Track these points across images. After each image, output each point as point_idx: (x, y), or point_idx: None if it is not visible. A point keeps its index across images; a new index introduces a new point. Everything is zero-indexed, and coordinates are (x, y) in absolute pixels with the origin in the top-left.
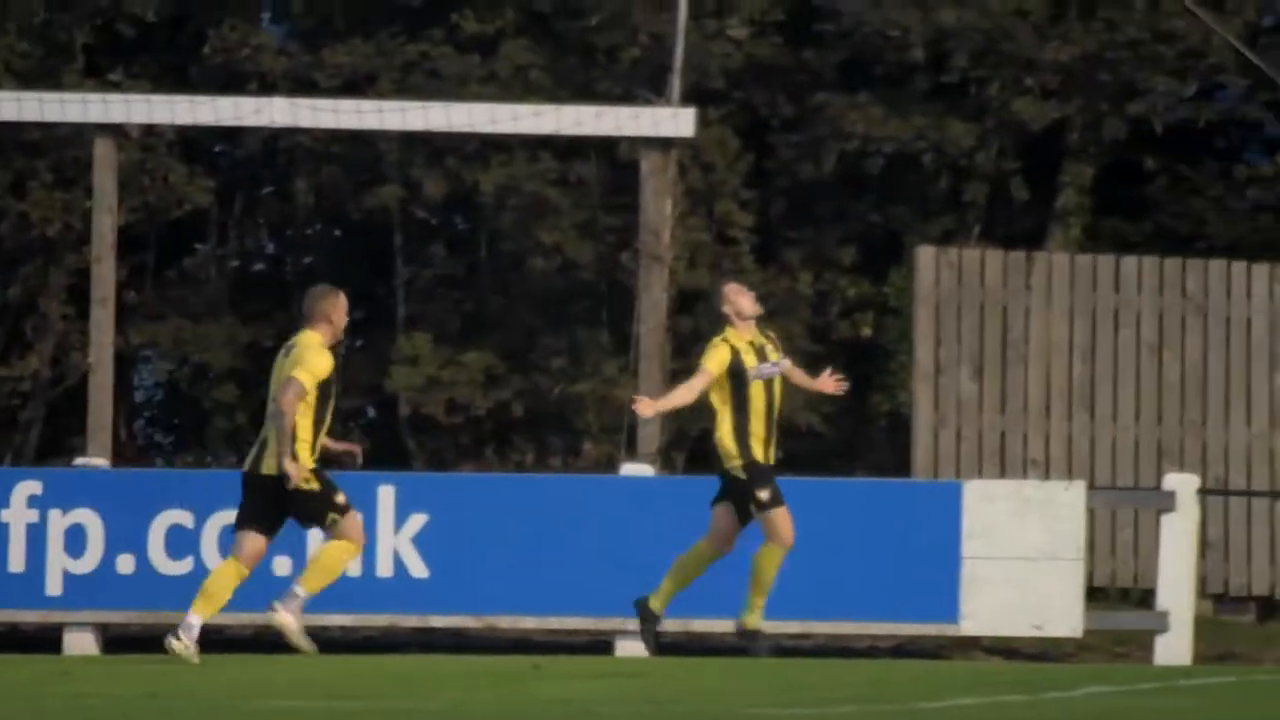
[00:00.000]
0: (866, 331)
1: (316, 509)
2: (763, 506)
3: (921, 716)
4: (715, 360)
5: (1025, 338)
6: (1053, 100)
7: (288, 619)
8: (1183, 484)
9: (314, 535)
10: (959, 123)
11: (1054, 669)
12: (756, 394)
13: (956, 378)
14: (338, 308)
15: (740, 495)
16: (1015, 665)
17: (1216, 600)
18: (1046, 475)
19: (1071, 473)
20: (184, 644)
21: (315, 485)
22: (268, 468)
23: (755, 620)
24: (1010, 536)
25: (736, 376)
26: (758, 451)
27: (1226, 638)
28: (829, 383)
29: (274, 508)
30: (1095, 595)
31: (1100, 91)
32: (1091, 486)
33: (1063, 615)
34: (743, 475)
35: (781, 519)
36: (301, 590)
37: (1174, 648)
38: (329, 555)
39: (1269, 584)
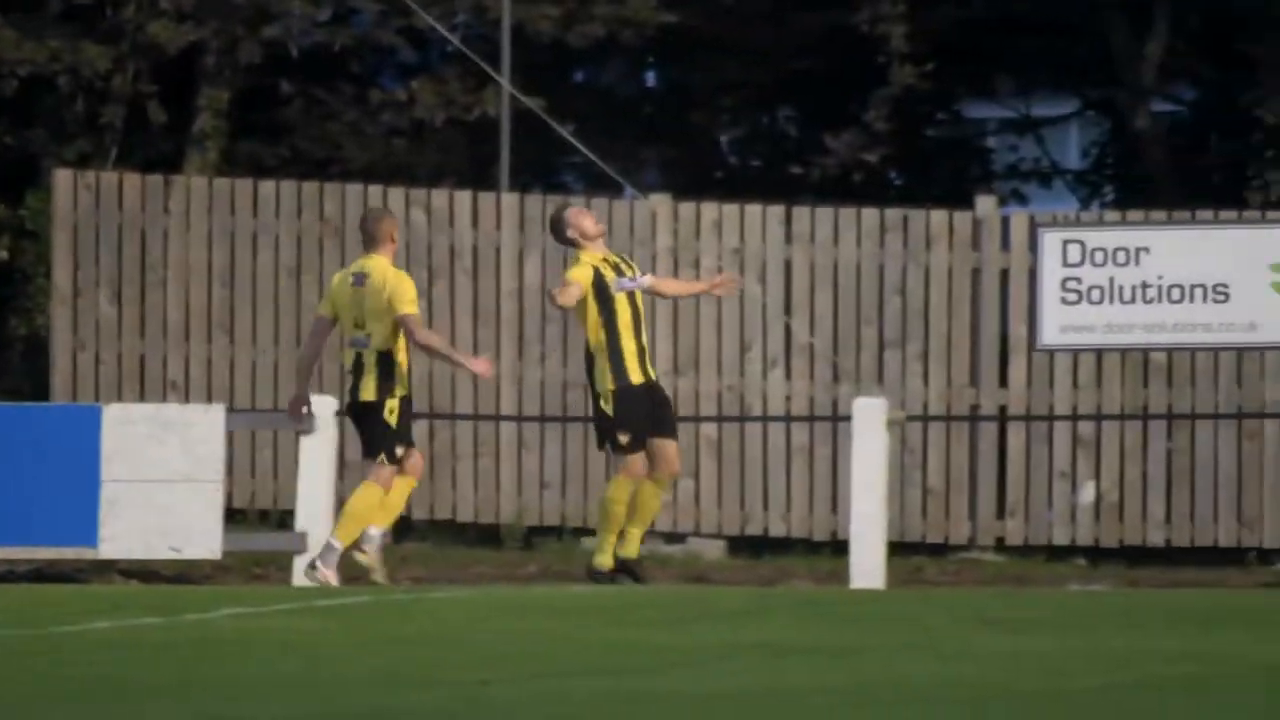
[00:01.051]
0: (3, 255)
1: (379, 442)
2: (619, 449)
3: (58, 640)
4: (577, 273)
5: (165, 261)
6: (188, 23)
7: (327, 573)
8: (321, 406)
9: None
10: (94, 45)
11: (193, 591)
12: (622, 308)
13: (95, 301)
14: (396, 226)
15: (600, 430)
16: (154, 588)
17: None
18: (187, 398)
19: (212, 396)
20: (321, 572)
21: (394, 420)
22: (365, 394)
23: (605, 560)
24: (150, 459)
25: (600, 293)
26: (632, 369)
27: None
28: (724, 282)
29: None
30: (236, 517)
31: (235, 15)
32: (231, 409)
33: (202, 537)
34: (610, 413)
35: (635, 461)
36: (338, 542)
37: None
38: (358, 502)
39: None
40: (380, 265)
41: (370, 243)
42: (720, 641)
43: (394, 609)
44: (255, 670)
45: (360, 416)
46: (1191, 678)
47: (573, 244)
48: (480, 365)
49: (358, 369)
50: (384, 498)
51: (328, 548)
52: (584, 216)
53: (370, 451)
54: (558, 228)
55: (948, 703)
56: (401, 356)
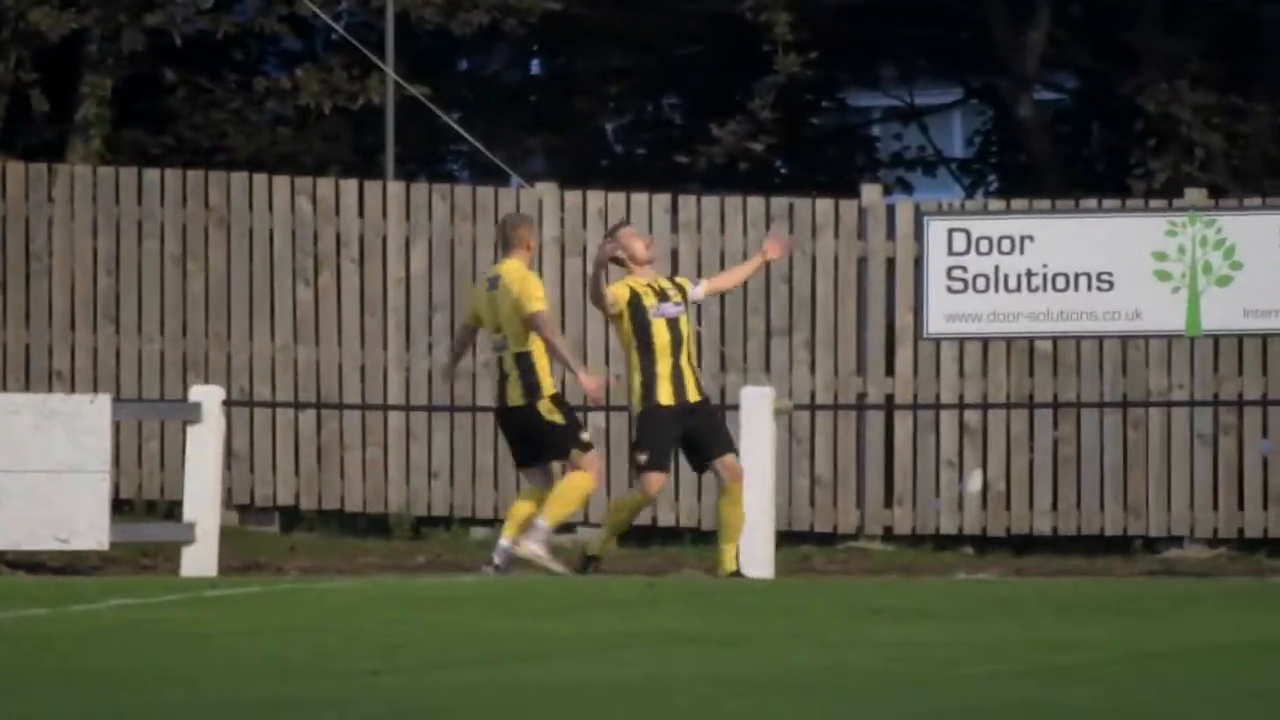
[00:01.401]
0: None
1: (558, 441)
2: (638, 468)
3: None
4: (617, 289)
5: (49, 250)
6: (70, 10)
7: (535, 549)
8: (208, 396)
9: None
10: None
11: (80, 582)
12: (660, 331)
13: None
14: (533, 231)
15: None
16: (41, 579)
17: (242, 511)
18: (73, 388)
19: (97, 385)
20: (529, 547)
21: (559, 417)
22: (513, 399)
23: (596, 547)
24: (35, 450)
25: (636, 315)
26: (663, 391)
27: (252, 547)
28: (774, 246)
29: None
30: (123, 508)
31: (118, 2)
32: (118, 399)
33: (89, 528)
34: (635, 432)
35: (651, 480)
36: (544, 522)
37: (200, 558)
38: (570, 487)
39: (293, 494)
40: (513, 268)
41: (506, 246)
42: (608, 631)
43: (283, 599)
44: (143, 661)
45: (511, 422)
46: (1078, 666)
47: (620, 264)
48: (592, 383)
49: (501, 374)
50: (590, 486)
51: (534, 526)
52: (636, 240)
53: (549, 456)
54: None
55: (836, 691)
56: (540, 355)
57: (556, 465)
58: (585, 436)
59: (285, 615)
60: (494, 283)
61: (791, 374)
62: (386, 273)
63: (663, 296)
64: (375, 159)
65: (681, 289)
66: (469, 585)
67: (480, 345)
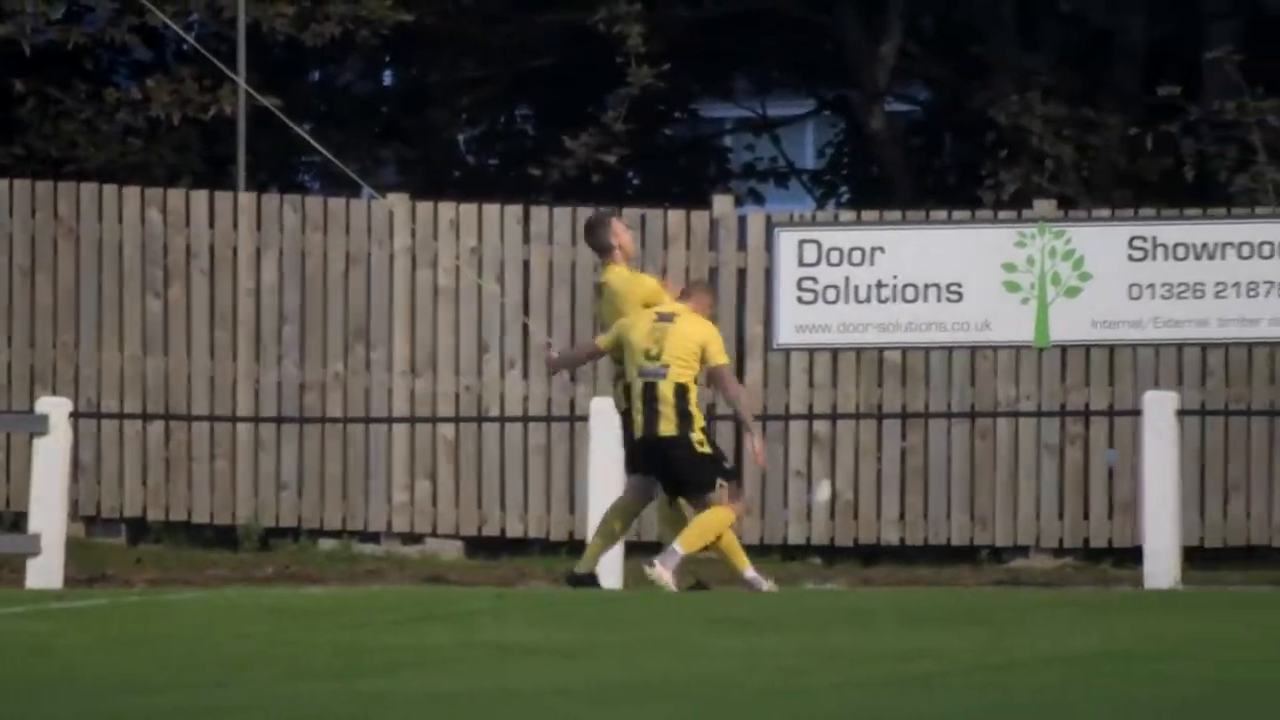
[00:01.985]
0: None
1: (708, 475)
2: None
3: None
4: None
5: None
6: None
7: (665, 575)
8: (55, 407)
9: None
10: None
11: None
12: None
13: None
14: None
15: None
16: None
17: (89, 522)
18: None
19: None
20: (659, 571)
21: (709, 449)
22: (665, 429)
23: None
24: None
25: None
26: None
27: (98, 560)
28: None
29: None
30: None
31: None
32: None
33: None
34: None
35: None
36: (680, 549)
37: (46, 570)
38: (711, 518)
39: (140, 505)
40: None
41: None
42: (455, 642)
43: (130, 611)
44: None
45: (657, 451)
46: (925, 675)
47: (607, 253)
48: (760, 452)
49: (650, 401)
50: (730, 520)
51: (670, 551)
52: (628, 233)
53: (699, 490)
54: (600, 231)
55: (684, 701)
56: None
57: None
58: (730, 465)
59: (132, 627)
60: (667, 318)
61: None
62: (237, 284)
63: None
64: (226, 170)
65: None
66: (317, 597)
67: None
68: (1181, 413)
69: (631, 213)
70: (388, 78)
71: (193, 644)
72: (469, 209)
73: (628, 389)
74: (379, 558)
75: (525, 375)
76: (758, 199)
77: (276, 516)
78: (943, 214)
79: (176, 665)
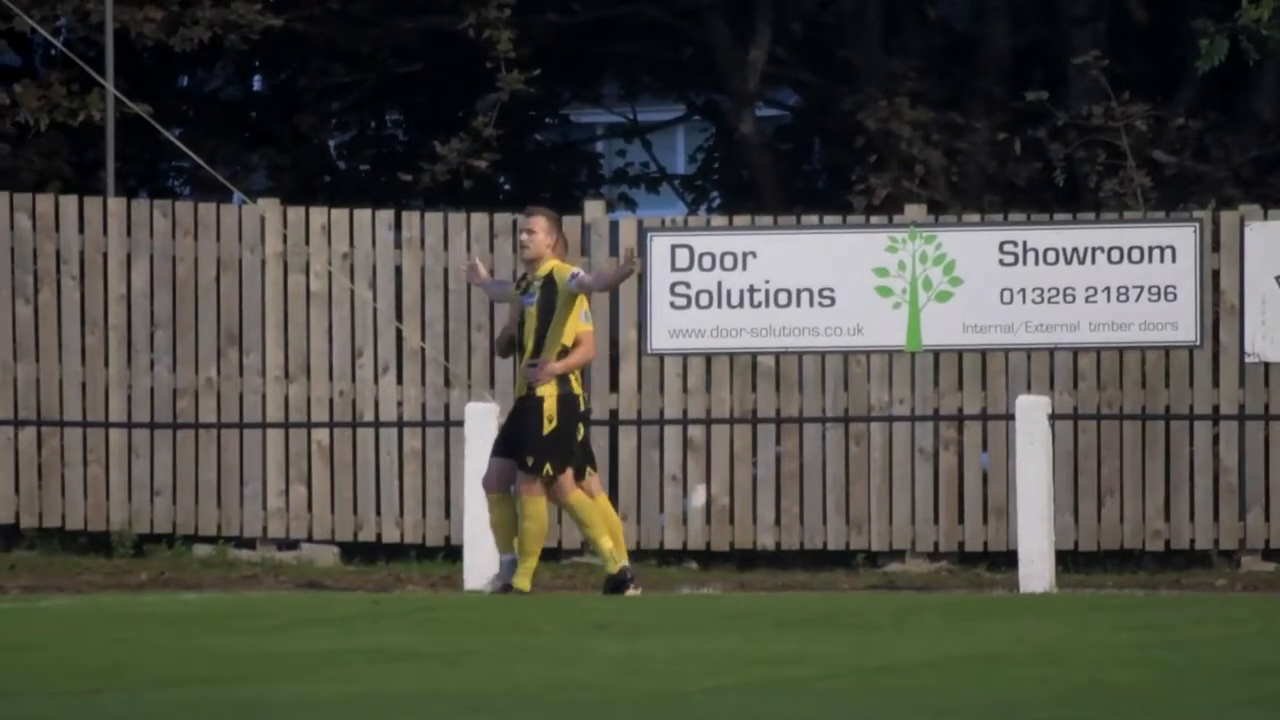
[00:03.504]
0: None
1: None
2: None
3: None
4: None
5: None
6: None
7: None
8: None
9: None
10: None
11: None
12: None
13: None
14: None
15: None
16: None
17: None
18: None
19: None
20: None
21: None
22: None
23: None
24: None
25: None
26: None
27: None
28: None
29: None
30: None
31: None
32: None
33: None
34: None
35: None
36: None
37: None
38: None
39: (13, 511)
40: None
41: None
42: (331, 648)
43: (2, 618)
44: None
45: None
46: (802, 679)
47: (538, 253)
48: None
49: None
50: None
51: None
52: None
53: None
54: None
55: (562, 706)
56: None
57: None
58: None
59: (4, 634)
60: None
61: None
62: (108, 289)
63: (525, 289)
64: (95, 175)
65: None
66: (192, 603)
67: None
68: (1053, 417)
69: (503, 218)
70: (257, 83)
71: (65, 651)
72: (340, 214)
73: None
74: (255, 564)
75: (399, 380)
76: (629, 204)
77: (151, 522)
78: (814, 219)
79: (49, 673)
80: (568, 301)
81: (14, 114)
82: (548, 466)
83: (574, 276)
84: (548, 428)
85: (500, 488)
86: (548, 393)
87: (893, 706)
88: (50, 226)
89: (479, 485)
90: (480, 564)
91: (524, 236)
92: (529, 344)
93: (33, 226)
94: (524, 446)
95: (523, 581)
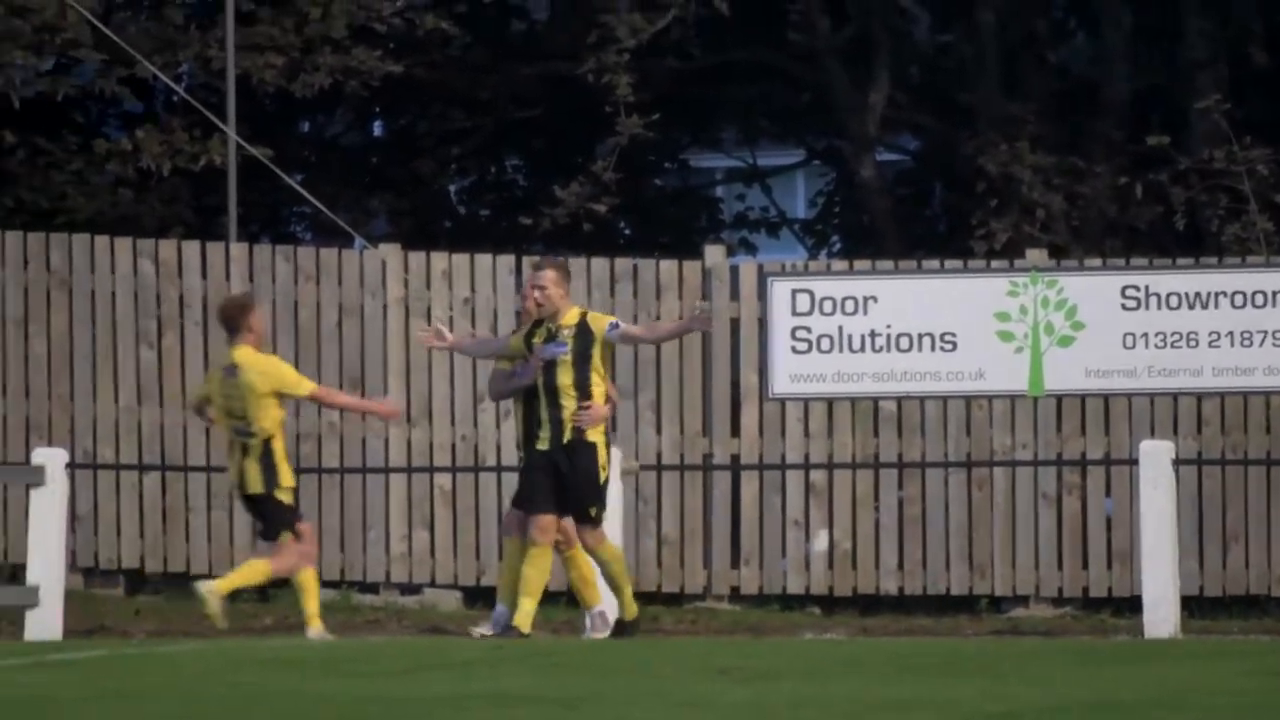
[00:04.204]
0: None
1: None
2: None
3: None
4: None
5: None
6: None
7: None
8: (52, 458)
9: None
10: None
11: None
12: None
13: None
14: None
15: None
16: None
17: (87, 574)
18: None
19: None
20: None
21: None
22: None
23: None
24: None
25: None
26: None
27: (97, 611)
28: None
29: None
30: None
31: None
32: None
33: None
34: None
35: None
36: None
37: (44, 622)
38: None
39: (138, 556)
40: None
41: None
42: (452, 693)
43: (127, 663)
44: None
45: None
46: None
47: (555, 307)
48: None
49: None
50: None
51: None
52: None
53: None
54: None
55: None
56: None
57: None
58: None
59: (130, 679)
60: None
61: (638, 435)
62: None
63: (550, 338)
64: (217, 220)
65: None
66: (315, 648)
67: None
68: (1177, 462)
69: (624, 262)
70: (377, 128)
71: (190, 696)
72: (461, 259)
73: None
74: (377, 608)
75: None
76: (749, 248)
77: None
78: (935, 263)
79: (174, 718)
80: (605, 349)
81: (136, 160)
82: (601, 512)
83: (615, 327)
84: (603, 475)
85: (521, 533)
86: (599, 439)
87: None
88: (173, 272)
89: (608, 530)
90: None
91: (537, 294)
92: (565, 392)
93: (156, 272)
94: (586, 496)
95: (631, 610)
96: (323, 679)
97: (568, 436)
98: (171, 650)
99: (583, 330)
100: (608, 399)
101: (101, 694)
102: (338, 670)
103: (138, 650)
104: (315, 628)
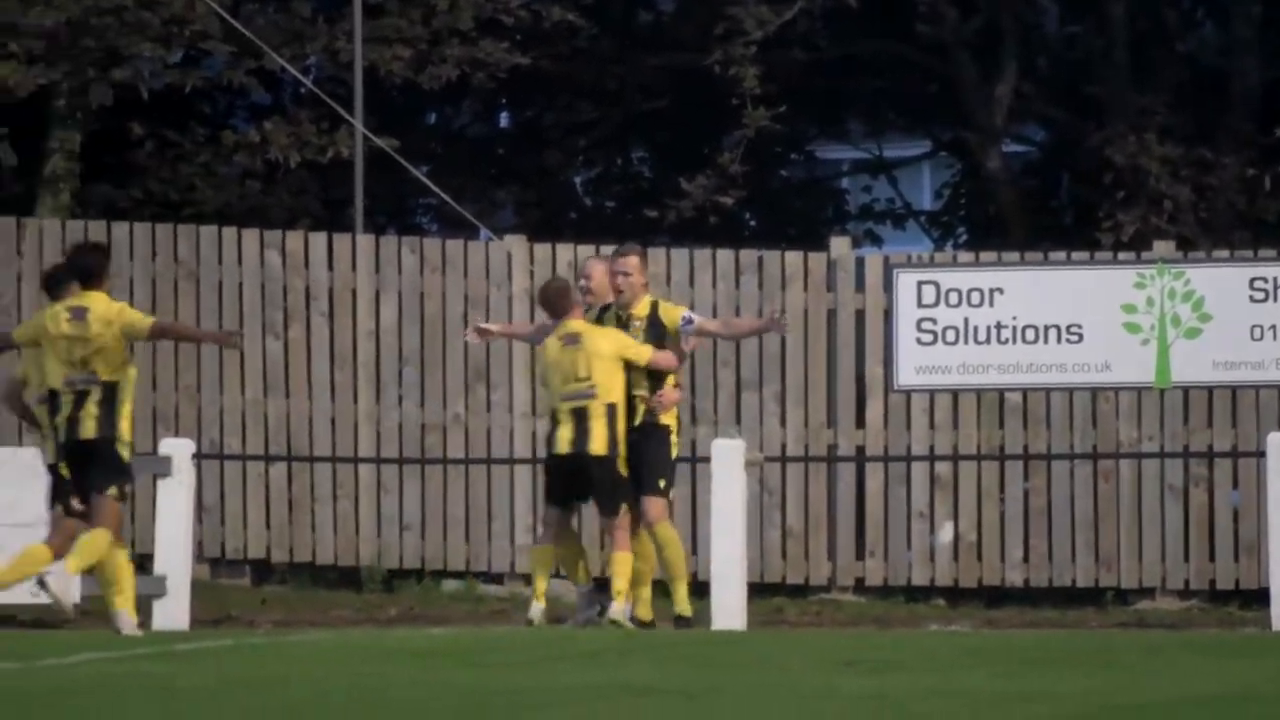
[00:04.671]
0: None
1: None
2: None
3: None
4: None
5: (18, 304)
6: (38, 66)
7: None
8: (179, 449)
9: None
10: None
11: (52, 636)
12: None
13: None
14: None
15: None
16: (11, 633)
17: (213, 564)
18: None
19: None
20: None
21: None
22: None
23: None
24: (8, 502)
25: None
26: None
27: (223, 601)
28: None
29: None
30: None
31: (86, 57)
32: None
33: (57, 581)
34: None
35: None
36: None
37: (171, 612)
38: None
39: (264, 546)
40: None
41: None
42: (579, 683)
43: (254, 653)
44: (114, 716)
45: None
46: (1050, 718)
47: (635, 294)
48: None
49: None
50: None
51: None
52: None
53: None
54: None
55: None
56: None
57: None
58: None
59: (257, 669)
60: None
61: (762, 426)
62: (356, 325)
63: (621, 325)
64: (344, 212)
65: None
66: (440, 638)
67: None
68: None
69: (749, 254)
70: (504, 120)
71: (316, 686)
72: (586, 250)
73: None
74: (503, 598)
75: None
76: (875, 240)
77: (400, 558)
78: (1061, 255)
79: (299, 707)
80: (674, 340)
81: (264, 152)
82: (670, 486)
83: (689, 321)
84: (674, 454)
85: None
86: (671, 422)
87: None
88: (300, 263)
89: (726, 522)
90: (728, 601)
91: (619, 279)
92: (637, 382)
93: (282, 263)
94: (655, 472)
95: (685, 607)
96: (449, 669)
97: (639, 420)
98: (297, 640)
99: (654, 322)
100: (677, 384)
101: (228, 683)
102: (463, 661)
103: (264, 640)
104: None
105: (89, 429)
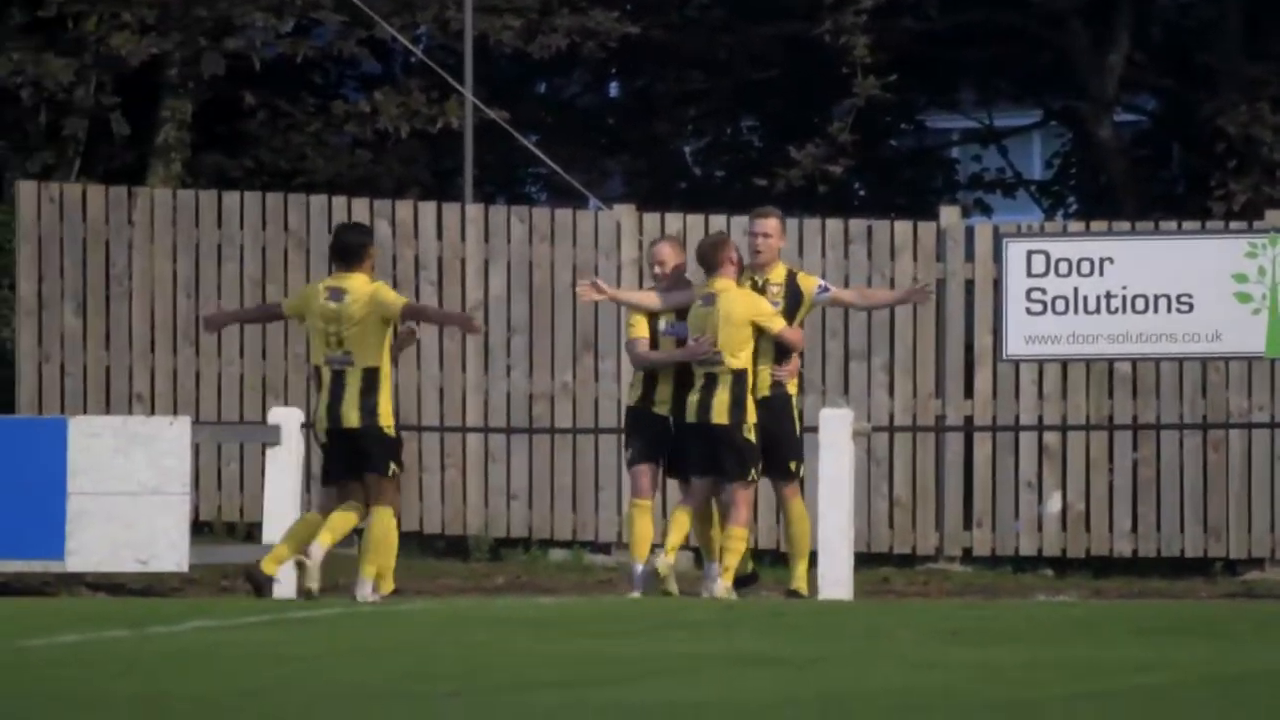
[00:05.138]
0: None
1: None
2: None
3: (26, 654)
4: None
5: (129, 273)
6: (151, 35)
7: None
8: (288, 418)
9: None
10: (57, 58)
11: (160, 604)
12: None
13: (60, 313)
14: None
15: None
16: (121, 601)
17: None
18: (152, 410)
19: (177, 408)
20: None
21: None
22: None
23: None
24: (115, 472)
25: None
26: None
27: (333, 569)
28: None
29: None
30: (203, 530)
31: (198, 27)
32: (197, 421)
33: (168, 550)
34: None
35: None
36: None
37: (282, 580)
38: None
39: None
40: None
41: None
42: (686, 652)
43: (363, 621)
44: (222, 684)
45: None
46: (1157, 688)
47: (772, 257)
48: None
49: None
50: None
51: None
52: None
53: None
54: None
55: (915, 713)
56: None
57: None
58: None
59: (365, 637)
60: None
61: (870, 396)
62: (465, 295)
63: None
64: (453, 181)
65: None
66: (547, 607)
67: (561, 361)
68: None
69: (858, 223)
70: (613, 89)
71: (424, 654)
72: (696, 220)
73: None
74: (610, 568)
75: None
76: (985, 210)
77: (507, 527)
78: (1172, 224)
79: (407, 675)
80: (806, 309)
81: (374, 121)
82: (800, 466)
83: (824, 290)
84: (799, 428)
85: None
86: (794, 391)
87: (1253, 715)
88: (409, 233)
89: (834, 492)
90: (835, 571)
91: (759, 240)
92: (765, 354)
93: (392, 233)
94: (787, 452)
95: (802, 584)
96: (557, 638)
97: (766, 392)
98: (405, 608)
99: (792, 290)
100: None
101: (338, 650)
102: (572, 630)
103: (373, 608)
104: None
105: (352, 418)
